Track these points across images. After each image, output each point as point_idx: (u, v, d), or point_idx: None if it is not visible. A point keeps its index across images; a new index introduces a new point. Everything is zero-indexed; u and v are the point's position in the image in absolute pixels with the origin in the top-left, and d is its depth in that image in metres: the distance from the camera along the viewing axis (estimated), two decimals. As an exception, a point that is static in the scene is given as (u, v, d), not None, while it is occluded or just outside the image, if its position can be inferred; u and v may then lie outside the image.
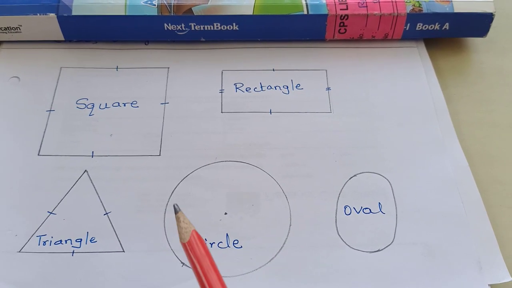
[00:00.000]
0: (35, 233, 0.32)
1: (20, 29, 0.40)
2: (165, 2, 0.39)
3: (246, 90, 0.39)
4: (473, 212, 0.33)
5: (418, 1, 0.40)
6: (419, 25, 0.41)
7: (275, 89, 0.39)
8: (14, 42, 0.41)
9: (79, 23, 0.39)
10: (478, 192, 0.34)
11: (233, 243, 0.32)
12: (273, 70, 0.40)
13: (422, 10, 0.40)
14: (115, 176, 0.34)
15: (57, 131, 0.36)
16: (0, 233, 0.32)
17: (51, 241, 0.32)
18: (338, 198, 0.34)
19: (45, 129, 0.36)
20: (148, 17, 0.39)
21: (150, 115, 0.37)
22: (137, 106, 0.38)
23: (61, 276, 0.30)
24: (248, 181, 0.34)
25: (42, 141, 0.36)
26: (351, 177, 0.35)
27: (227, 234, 0.32)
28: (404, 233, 0.32)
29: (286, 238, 0.32)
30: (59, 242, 0.32)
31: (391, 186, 0.34)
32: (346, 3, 0.40)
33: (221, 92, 0.39)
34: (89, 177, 0.34)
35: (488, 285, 0.30)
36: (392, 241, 0.32)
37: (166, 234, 0.32)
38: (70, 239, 0.32)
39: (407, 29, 0.41)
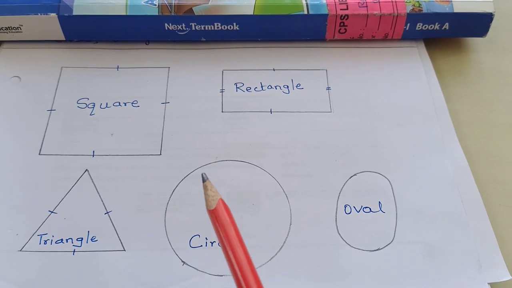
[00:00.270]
0: (36, 232, 0.32)
1: (21, 29, 0.40)
2: (166, 2, 0.40)
3: (247, 90, 0.39)
4: (473, 211, 0.33)
5: (418, 1, 0.40)
6: (419, 25, 0.41)
7: (276, 88, 0.39)
8: (15, 42, 0.41)
9: (80, 23, 0.40)
10: (477, 191, 0.34)
11: (234, 242, 0.32)
12: (274, 70, 0.40)
13: (422, 10, 0.40)
14: (116, 175, 0.34)
15: (58, 130, 0.36)
16: (1, 232, 0.32)
17: (52, 240, 0.32)
18: (338, 197, 0.34)
19: (46, 129, 0.36)
20: (149, 17, 0.39)
21: (150, 114, 0.38)
22: (138, 106, 0.38)
23: (62, 275, 0.30)
24: (248, 181, 0.34)
25: (43, 140, 0.36)
26: (351, 176, 0.35)
27: (227, 233, 0.32)
28: (404, 232, 0.32)
29: (287, 237, 0.32)
30: (60, 241, 0.32)
31: (391, 185, 0.34)
32: (346, 3, 0.40)
33: (222, 91, 0.39)
34: (90, 177, 0.34)
35: (488, 283, 0.30)
36: (392, 240, 0.32)
37: (166, 233, 0.32)
38: (71, 238, 0.32)
39: (407, 29, 0.41)
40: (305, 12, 0.40)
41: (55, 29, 0.40)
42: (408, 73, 0.40)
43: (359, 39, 0.42)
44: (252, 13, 0.40)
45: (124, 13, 0.39)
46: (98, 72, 0.40)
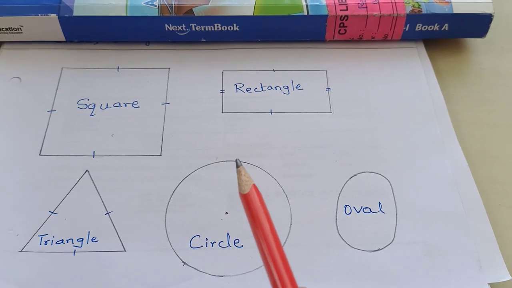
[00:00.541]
0: (36, 232, 0.32)
1: (21, 30, 0.40)
2: (166, 3, 0.40)
3: (247, 91, 0.39)
4: (473, 211, 0.33)
5: (417, 2, 0.40)
6: (419, 25, 0.41)
7: (276, 89, 0.39)
8: (16, 42, 0.41)
9: (80, 23, 0.40)
10: (477, 191, 0.34)
11: (234, 243, 0.32)
12: (274, 70, 0.40)
13: (421, 11, 0.40)
14: (116, 176, 0.34)
15: (58, 131, 0.36)
16: (1, 233, 0.32)
17: (52, 240, 0.32)
18: (338, 198, 0.34)
19: (46, 129, 0.37)
20: (149, 18, 0.39)
21: (151, 115, 0.38)
22: (138, 107, 0.38)
23: (62, 276, 0.31)
24: (248, 181, 0.34)
25: (43, 141, 0.36)
26: (351, 177, 0.35)
27: (228, 234, 0.32)
28: (404, 232, 0.33)
29: (287, 238, 0.32)
30: (61, 241, 0.32)
31: (391, 186, 0.34)
32: (346, 4, 0.40)
33: (222, 92, 0.39)
34: (90, 177, 0.34)
35: (488, 284, 0.31)
36: (392, 240, 0.32)
37: (167, 234, 0.32)
38: (72, 239, 0.32)
39: (407, 29, 0.41)
40: (305, 13, 0.40)
41: (56, 30, 0.40)
42: (408, 73, 0.40)
43: (359, 40, 0.42)
44: (252, 14, 0.40)
45: (124, 14, 0.39)
46: (99, 73, 0.40)
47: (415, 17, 0.40)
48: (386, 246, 0.32)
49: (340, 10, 0.40)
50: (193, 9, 0.40)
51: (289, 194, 0.34)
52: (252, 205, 0.23)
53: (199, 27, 0.40)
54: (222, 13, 0.40)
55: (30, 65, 0.40)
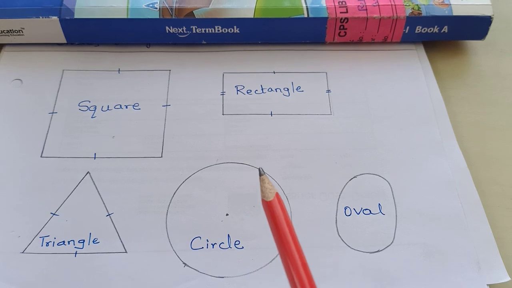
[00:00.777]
0: (38, 234, 0.32)
1: (22, 32, 0.40)
2: (167, 5, 0.40)
3: (247, 93, 0.39)
4: (472, 213, 0.34)
5: (417, 5, 0.41)
6: (418, 28, 0.41)
7: (276, 91, 0.39)
8: (17, 44, 0.41)
9: (82, 26, 0.40)
10: (476, 193, 0.34)
11: (235, 244, 0.32)
12: (274, 72, 0.41)
13: (421, 14, 0.40)
14: (117, 177, 0.35)
15: (59, 133, 0.37)
16: (3, 234, 0.32)
17: (54, 242, 0.32)
18: (338, 199, 0.34)
19: (48, 131, 0.37)
20: (150, 20, 0.40)
21: (152, 117, 0.38)
22: (139, 108, 0.38)
23: (64, 277, 0.31)
24: (249, 183, 0.35)
25: (44, 143, 0.36)
26: (351, 179, 0.35)
27: (228, 235, 0.32)
28: (403, 233, 0.33)
29: (287, 239, 0.32)
30: (62, 243, 0.32)
31: (391, 187, 0.35)
32: (346, 7, 0.40)
33: (222, 94, 0.39)
34: (92, 179, 0.35)
35: (487, 285, 0.31)
36: (392, 241, 0.32)
37: (168, 235, 0.32)
38: (73, 240, 0.32)
39: (407, 32, 0.41)
40: (305, 16, 0.40)
41: (57, 32, 0.40)
42: (408, 75, 0.40)
43: (358, 42, 0.42)
44: (253, 16, 0.40)
45: (125, 16, 0.39)
46: (100, 75, 0.40)
47: (414, 20, 0.40)
48: (386, 247, 0.32)
49: (340, 12, 0.40)
50: (193, 11, 0.40)
51: (289, 196, 0.34)
52: (275, 212, 0.24)
53: (200, 29, 0.40)
54: (223, 16, 0.40)
55: (31, 67, 0.40)
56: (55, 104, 0.38)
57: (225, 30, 0.41)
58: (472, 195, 0.34)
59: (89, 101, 0.38)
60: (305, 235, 0.32)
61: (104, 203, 0.33)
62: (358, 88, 0.40)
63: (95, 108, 0.38)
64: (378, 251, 0.32)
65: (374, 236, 0.33)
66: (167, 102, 0.39)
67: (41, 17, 0.39)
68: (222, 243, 0.32)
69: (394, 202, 0.34)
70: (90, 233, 0.32)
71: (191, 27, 0.40)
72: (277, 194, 0.25)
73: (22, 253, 0.31)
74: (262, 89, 0.40)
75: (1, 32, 0.40)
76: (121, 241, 0.32)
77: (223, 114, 0.38)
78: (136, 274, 0.31)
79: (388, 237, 0.33)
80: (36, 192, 0.34)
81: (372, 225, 0.33)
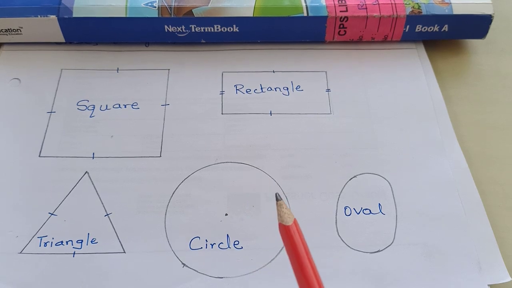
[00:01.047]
0: (36, 234, 0.32)
1: (20, 31, 0.40)
2: (166, 4, 0.40)
3: (246, 92, 0.39)
4: (473, 212, 0.33)
5: (417, 3, 0.40)
6: (419, 27, 0.41)
7: (275, 90, 0.39)
8: (15, 44, 0.41)
9: (80, 25, 0.40)
10: (477, 193, 0.34)
11: (234, 244, 0.32)
12: (273, 71, 0.40)
13: (421, 12, 0.40)
14: (116, 177, 0.34)
15: (58, 132, 0.36)
16: (1, 234, 0.32)
17: (52, 242, 0.32)
18: (338, 199, 0.34)
19: (46, 131, 0.37)
20: (149, 19, 0.39)
21: (150, 116, 0.38)
22: (138, 108, 0.38)
23: (62, 277, 0.30)
24: (248, 182, 0.34)
25: (43, 142, 0.36)
26: (351, 178, 0.35)
27: (227, 235, 0.32)
28: (404, 233, 0.33)
29: (287, 239, 0.32)
30: (60, 243, 0.32)
31: (391, 187, 0.34)
32: (346, 5, 0.40)
33: (222, 93, 0.39)
34: (90, 178, 0.34)
35: (488, 285, 0.31)
36: (392, 241, 0.32)
37: (167, 235, 0.32)
38: (71, 240, 0.32)
39: (407, 31, 0.41)
40: (305, 14, 0.40)
41: (55, 31, 0.40)
42: (408, 75, 0.40)
43: (358, 41, 0.42)
44: (252, 15, 0.40)
45: (124, 15, 0.39)
46: (98, 74, 0.40)
47: (415, 18, 0.40)
48: (386, 247, 0.32)
49: (340, 11, 0.40)
50: (192, 10, 0.40)
51: (289, 196, 0.34)
52: (293, 237, 0.25)
53: (199, 28, 0.40)
54: (222, 14, 0.40)
55: (30, 66, 0.40)
56: (53, 104, 0.38)
57: (224, 29, 0.40)
58: (473, 195, 0.34)
59: (88, 101, 0.38)
60: (305, 235, 0.32)
61: (102, 203, 0.33)
62: (358, 87, 0.40)
63: (94, 107, 0.38)
64: (378, 251, 0.32)
65: (374, 236, 0.32)
66: (166, 101, 0.38)
67: (39, 16, 0.39)
68: (221, 243, 0.32)
69: (394, 202, 0.34)
70: (89, 233, 0.32)
71: (190, 26, 0.40)
72: (295, 220, 0.25)
73: (20, 253, 0.31)
74: (261, 88, 0.39)
75: (-1, 31, 0.40)
76: (120, 241, 0.32)
77: (222, 114, 0.38)
78: (134, 274, 0.31)
79: (388, 237, 0.32)
80: (34, 192, 0.34)
81: (372, 225, 0.33)
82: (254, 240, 0.32)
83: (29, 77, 0.39)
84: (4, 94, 0.38)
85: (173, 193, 0.34)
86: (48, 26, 0.40)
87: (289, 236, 0.25)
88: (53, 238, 0.32)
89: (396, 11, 0.40)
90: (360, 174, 0.35)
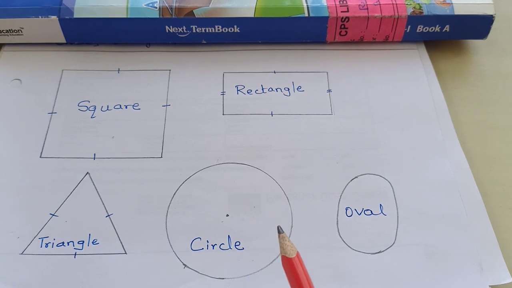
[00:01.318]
0: (37, 235, 0.32)
1: (22, 32, 0.40)
2: (167, 5, 0.40)
3: (247, 92, 0.39)
4: (474, 213, 0.33)
5: (418, 4, 0.40)
6: (420, 27, 0.41)
7: (276, 91, 0.39)
8: (16, 44, 0.41)
9: (81, 25, 0.40)
10: (478, 193, 0.34)
11: (235, 245, 0.32)
12: (274, 72, 0.40)
13: (422, 13, 0.40)
14: (117, 178, 0.34)
15: (59, 133, 0.36)
16: (2, 235, 0.32)
17: (53, 243, 0.32)
18: (339, 200, 0.34)
19: (47, 131, 0.37)
20: (150, 20, 0.39)
21: (151, 117, 0.38)
22: (139, 108, 0.38)
23: (63, 278, 0.30)
24: (249, 183, 0.34)
25: (44, 143, 0.36)
26: (352, 179, 0.35)
27: (228, 236, 0.32)
28: (405, 234, 0.32)
29: (288, 240, 0.32)
30: (61, 244, 0.32)
31: (392, 188, 0.34)
32: (347, 6, 0.40)
33: (223, 94, 0.39)
34: (91, 179, 0.34)
35: (489, 286, 0.30)
36: (393, 242, 0.32)
37: (168, 236, 0.32)
38: (72, 241, 0.32)
39: (408, 31, 0.41)
40: (306, 15, 0.40)
41: (56, 32, 0.40)
42: (409, 75, 0.40)
43: (359, 41, 0.42)
44: (253, 16, 0.40)
45: (125, 16, 0.39)
46: (99, 75, 0.40)
47: (416, 19, 0.40)
48: (388, 248, 0.32)
49: (341, 11, 0.40)
50: (193, 11, 0.40)
51: (290, 196, 0.34)
52: (297, 269, 0.25)
53: (200, 28, 0.40)
54: (223, 15, 0.40)
55: (31, 67, 0.40)
56: (54, 104, 0.38)
57: (225, 30, 0.40)
58: (474, 195, 0.34)
59: (89, 101, 0.38)
60: (306, 236, 0.32)
61: (103, 204, 0.33)
62: (359, 87, 0.40)
63: (95, 108, 0.38)
64: (380, 252, 0.32)
65: (375, 237, 0.32)
66: (167, 102, 0.38)
67: (40, 16, 0.39)
68: (223, 244, 0.32)
69: (396, 202, 0.34)
70: (90, 234, 0.32)
71: (191, 26, 0.40)
72: (298, 253, 0.25)
73: (21, 254, 0.31)
74: (262, 89, 0.39)
75: (0, 32, 0.40)
76: (121, 242, 0.32)
77: (223, 114, 0.38)
78: (135, 275, 0.31)
79: (390, 238, 0.32)
80: (35, 192, 0.34)
81: (373, 226, 0.33)
82: (255, 241, 0.32)
83: (30, 78, 0.39)
84: (5, 95, 0.38)
85: (174, 194, 0.34)
86: (49, 27, 0.40)
87: (292, 268, 0.25)
88: (54, 239, 0.32)
89: (397, 12, 0.40)
90: (361, 174, 0.35)
